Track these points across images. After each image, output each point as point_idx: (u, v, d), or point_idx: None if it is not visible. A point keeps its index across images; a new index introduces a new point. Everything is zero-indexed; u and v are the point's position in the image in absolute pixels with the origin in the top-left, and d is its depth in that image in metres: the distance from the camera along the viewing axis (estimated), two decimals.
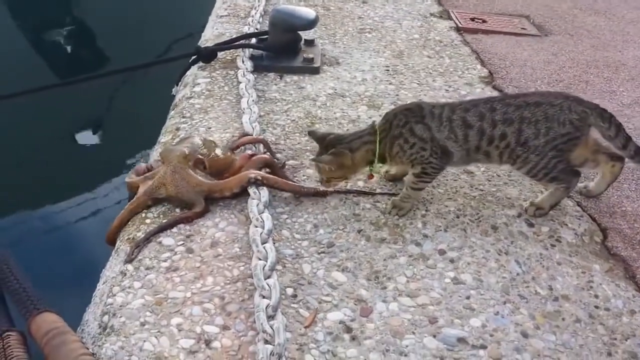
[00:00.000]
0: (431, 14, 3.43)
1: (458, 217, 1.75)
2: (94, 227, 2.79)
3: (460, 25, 3.28)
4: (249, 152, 1.91)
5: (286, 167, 1.94)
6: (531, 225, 1.75)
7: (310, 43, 2.77)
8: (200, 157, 1.77)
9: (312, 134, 1.80)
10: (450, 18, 3.40)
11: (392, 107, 2.12)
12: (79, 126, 3.74)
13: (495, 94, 2.49)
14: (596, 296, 1.52)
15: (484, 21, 3.40)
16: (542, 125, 1.62)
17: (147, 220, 1.68)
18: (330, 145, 1.71)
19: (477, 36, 3.18)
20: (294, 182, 1.84)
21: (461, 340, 1.36)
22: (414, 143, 1.67)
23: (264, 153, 1.93)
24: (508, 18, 3.53)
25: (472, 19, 3.40)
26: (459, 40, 3.09)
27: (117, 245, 1.63)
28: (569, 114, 1.63)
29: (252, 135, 2.02)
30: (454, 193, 1.85)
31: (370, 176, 1.81)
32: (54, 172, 3.17)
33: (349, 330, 1.37)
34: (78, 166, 3.32)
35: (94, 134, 3.80)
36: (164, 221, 1.66)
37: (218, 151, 1.84)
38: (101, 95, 3.70)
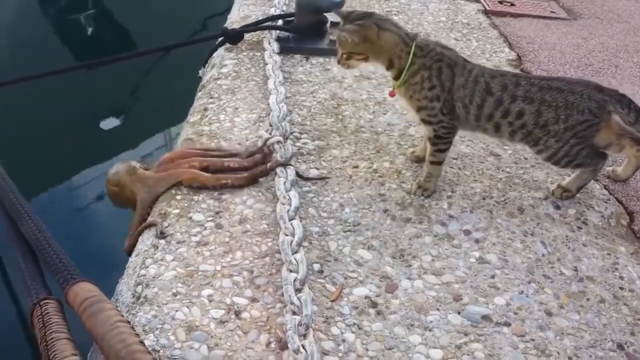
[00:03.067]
0: None
1: (484, 198, 1.76)
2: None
3: (488, 8, 3.25)
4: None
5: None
6: (557, 207, 1.75)
7: (336, 25, 2.77)
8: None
9: (341, 14, 1.73)
10: (477, 1, 3.37)
11: None
12: (104, 108, 3.80)
13: None
14: (621, 278, 1.53)
15: (512, 4, 3.36)
16: (562, 111, 1.61)
17: (178, 197, 1.72)
18: (357, 19, 1.67)
19: (505, 19, 3.15)
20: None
21: (485, 317, 1.38)
22: (433, 86, 1.65)
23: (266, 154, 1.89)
24: (537, 1, 3.47)
25: (500, 2, 3.36)
26: (486, 23, 3.07)
27: (148, 220, 1.67)
28: (588, 102, 1.62)
29: (279, 114, 2.03)
30: (480, 175, 1.85)
31: (392, 93, 1.76)
32: (83, 151, 3.24)
33: (374, 305, 1.40)
34: (104, 146, 3.38)
35: (118, 116, 3.85)
36: None
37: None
38: (127, 77, 3.75)
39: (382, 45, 1.67)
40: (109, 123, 3.59)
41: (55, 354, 1.16)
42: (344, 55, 1.70)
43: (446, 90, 1.65)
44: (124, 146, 3.26)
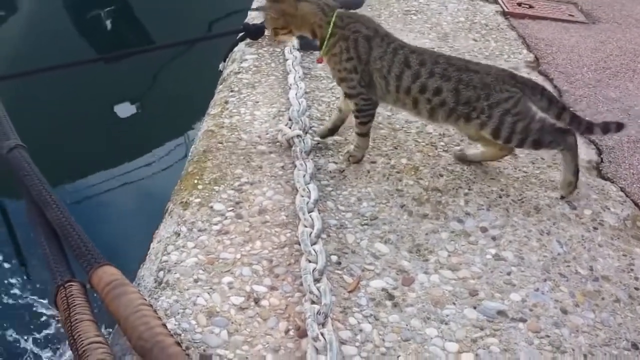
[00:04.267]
0: None
1: (501, 197, 1.77)
2: (131, 196, 2.90)
3: (507, 10, 3.25)
4: None
5: None
6: (574, 208, 1.76)
7: None
8: None
9: None
10: (496, 2, 3.37)
11: None
12: (123, 100, 3.84)
13: (540, 79, 2.48)
14: (636, 278, 1.53)
15: (530, 6, 3.36)
16: (480, 90, 1.66)
17: (199, 187, 1.75)
18: None
19: (523, 21, 3.15)
20: None
21: (501, 312, 1.39)
22: (350, 57, 1.71)
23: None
24: (555, 4, 3.47)
25: (519, 4, 3.36)
26: (505, 24, 3.07)
27: (170, 208, 1.70)
28: (502, 84, 1.67)
29: (298, 108, 2.05)
30: (497, 174, 1.87)
31: (320, 59, 1.83)
32: (106, 143, 3.29)
33: (391, 297, 1.42)
34: (123, 138, 3.43)
35: (137, 108, 3.89)
36: None
37: None
38: (146, 70, 3.79)
39: (301, 16, 1.73)
40: (127, 113, 3.64)
41: (79, 335, 1.20)
42: (272, 32, 1.77)
43: (363, 62, 1.71)
44: (143, 138, 3.31)
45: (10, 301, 2.22)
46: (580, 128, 1.72)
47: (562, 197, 1.78)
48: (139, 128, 3.48)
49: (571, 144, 1.72)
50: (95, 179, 2.95)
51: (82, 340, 1.17)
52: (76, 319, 1.23)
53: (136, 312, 1.22)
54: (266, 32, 1.83)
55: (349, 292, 1.43)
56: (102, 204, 2.78)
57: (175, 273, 1.43)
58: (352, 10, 2.66)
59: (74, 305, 1.30)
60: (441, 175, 1.84)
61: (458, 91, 1.66)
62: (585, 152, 2.04)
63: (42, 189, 1.68)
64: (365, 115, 1.80)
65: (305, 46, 2.61)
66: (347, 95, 1.79)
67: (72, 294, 1.32)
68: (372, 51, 1.70)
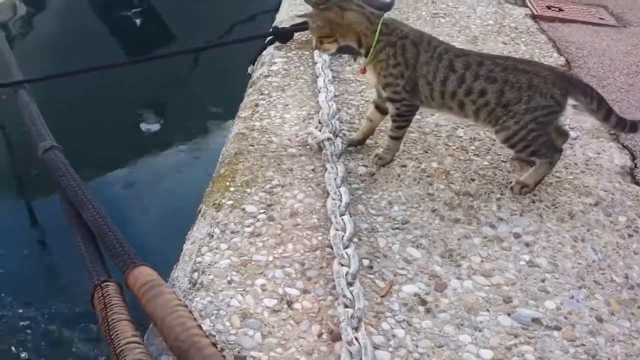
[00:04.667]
0: (506, 0, 3.38)
1: (534, 202, 1.75)
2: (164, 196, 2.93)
3: (536, 13, 3.22)
4: None
5: None
6: (608, 215, 1.73)
7: None
8: None
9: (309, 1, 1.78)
10: (525, 5, 3.34)
11: None
12: (150, 103, 3.87)
13: None
14: None
15: (560, 9, 3.32)
16: (524, 92, 1.64)
17: (231, 189, 1.77)
18: (320, 3, 1.73)
19: (553, 24, 3.12)
20: None
21: (535, 320, 1.38)
22: (398, 63, 1.72)
23: None
24: (585, 7, 3.43)
25: (548, 7, 3.33)
26: (534, 27, 3.04)
27: (202, 209, 1.72)
28: (552, 87, 1.65)
29: (328, 112, 2.06)
30: None
31: (363, 70, 1.83)
32: (132, 144, 3.33)
33: (423, 302, 1.41)
34: (151, 140, 3.47)
35: (164, 111, 3.92)
36: None
37: None
38: (173, 73, 3.82)
39: (347, 25, 1.73)
40: (155, 119, 3.68)
41: (117, 334, 1.22)
42: (317, 41, 1.78)
43: (410, 68, 1.72)
44: (170, 140, 3.35)
45: (50, 301, 2.27)
46: (625, 128, 1.73)
47: (599, 203, 1.76)
48: (165, 131, 3.51)
49: (556, 160, 1.77)
50: (123, 180, 3.00)
51: (119, 340, 1.19)
52: (113, 319, 1.25)
53: (172, 312, 1.24)
54: (312, 42, 1.84)
55: (382, 296, 1.43)
56: (130, 205, 2.81)
57: (209, 274, 1.45)
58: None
59: (111, 305, 1.32)
60: (473, 180, 1.83)
61: (502, 92, 1.66)
62: (619, 158, 2.01)
63: (78, 189, 1.71)
64: (404, 120, 1.82)
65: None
66: (390, 100, 1.79)
67: (109, 294, 1.35)
68: (419, 56, 1.71)
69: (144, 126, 3.57)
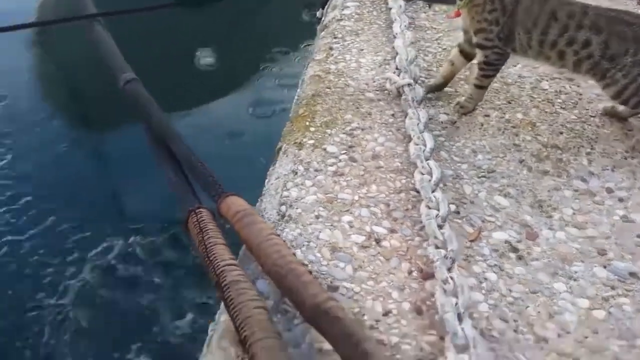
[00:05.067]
0: None
1: (626, 158, 1.68)
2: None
3: None
4: None
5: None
6: None
7: None
8: None
9: None
10: None
11: None
12: (207, 45, 3.82)
13: None
14: None
15: None
16: (630, 44, 1.57)
17: (312, 129, 1.74)
18: None
19: None
20: None
21: (633, 274, 1.33)
22: (495, 9, 1.66)
23: None
24: None
25: None
26: None
27: (284, 147, 1.70)
28: None
29: (407, 57, 2.00)
30: (623, 135, 1.77)
31: (457, 13, 1.77)
32: (190, 86, 3.34)
33: (515, 250, 1.38)
34: (209, 83, 3.45)
35: (221, 54, 3.87)
36: None
37: None
38: (228, 15, 3.76)
39: None
40: (211, 60, 3.66)
41: (215, 257, 1.22)
42: None
43: (507, 14, 1.65)
44: (230, 83, 3.34)
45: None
46: None
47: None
48: (219, 75, 3.49)
49: None
50: (189, 120, 3.01)
51: (217, 262, 1.20)
52: (210, 242, 1.26)
53: (268, 240, 1.24)
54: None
55: (471, 241, 1.40)
56: (199, 144, 2.83)
57: (297, 208, 1.44)
58: None
59: (207, 230, 1.32)
60: (561, 133, 1.77)
61: (607, 44, 1.58)
62: None
63: (162, 119, 1.71)
64: (493, 69, 1.76)
65: None
66: (480, 46, 1.73)
67: (204, 219, 1.35)
68: (519, 3, 1.64)
69: (195, 71, 3.56)
